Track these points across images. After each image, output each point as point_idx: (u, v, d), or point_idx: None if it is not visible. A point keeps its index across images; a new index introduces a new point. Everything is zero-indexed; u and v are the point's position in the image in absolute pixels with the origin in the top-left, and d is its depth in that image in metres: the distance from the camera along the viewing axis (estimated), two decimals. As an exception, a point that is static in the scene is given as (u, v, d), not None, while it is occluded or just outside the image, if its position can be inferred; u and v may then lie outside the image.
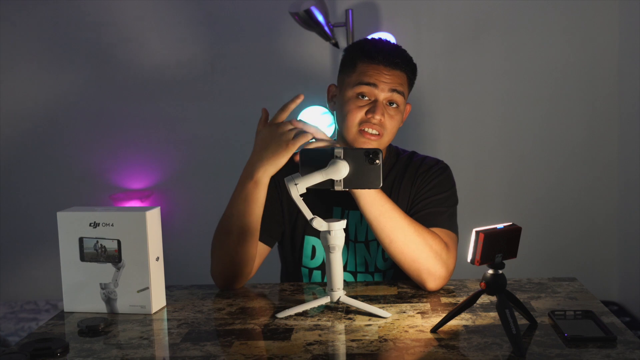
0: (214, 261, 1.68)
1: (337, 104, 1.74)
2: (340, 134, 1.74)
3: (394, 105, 1.69)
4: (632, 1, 3.15)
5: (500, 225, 1.27)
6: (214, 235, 1.69)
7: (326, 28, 2.98)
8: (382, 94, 1.68)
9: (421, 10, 3.36)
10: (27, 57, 3.50)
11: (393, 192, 1.77)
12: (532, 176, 3.41)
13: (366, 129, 1.67)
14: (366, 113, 1.67)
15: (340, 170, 1.43)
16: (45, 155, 3.53)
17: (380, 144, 1.69)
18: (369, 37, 1.90)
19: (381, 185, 1.44)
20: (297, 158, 1.53)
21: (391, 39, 3.04)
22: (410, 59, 1.75)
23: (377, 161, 1.43)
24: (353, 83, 1.69)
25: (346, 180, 1.44)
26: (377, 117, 1.66)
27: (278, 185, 1.78)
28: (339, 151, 1.43)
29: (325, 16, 2.96)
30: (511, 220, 1.33)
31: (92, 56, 3.47)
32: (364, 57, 1.70)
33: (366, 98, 1.68)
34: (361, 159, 1.44)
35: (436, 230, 1.66)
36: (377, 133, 1.67)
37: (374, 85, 1.67)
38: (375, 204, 1.57)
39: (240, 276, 1.67)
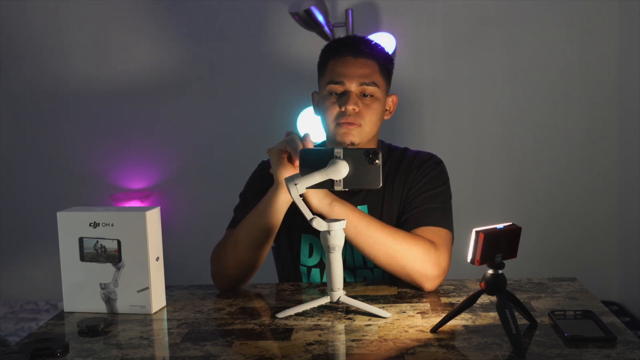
0: (216, 263, 1.68)
1: (319, 108, 1.77)
2: (327, 135, 1.77)
3: (368, 96, 1.70)
4: (632, 1, 3.15)
5: (500, 225, 1.27)
6: (224, 243, 1.69)
7: (326, 28, 2.98)
8: (353, 86, 1.70)
9: (421, 10, 3.36)
10: (27, 57, 3.50)
11: (387, 188, 1.77)
12: (532, 176, 3.41)
13: (343, 121, 1.69)
14: (340, 106, 1.69)
15: (340, 170, 1.43)
16: (45, 155, 3.53)
17: (362, 132, 1.70)
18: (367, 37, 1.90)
19: (381, 185, 1.44)
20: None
21: (391, 39, 3.04)
22: (380, 48, 1.76)
23: (377, 161, 1.43)
24: (325, 83, 1.73)
25: (346, 180, 1.44)
26: (350, 107, 1.68)
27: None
28: (338, 151, 1.44)
29: (325, 16, 2.96)
30: (511, 220, 1.33)
31: (92, 56, 3.47)
32: (332, 54, 1.75)
33: (338, 93, 1.71)
34: (361, 159, 1.44)
35: (427, 229, 1.66)
36: (353, 123, 1.68)
37: (341, 83, 1.70)
38: (350, 225, 1.57)
39: (247, 279, 1.68)
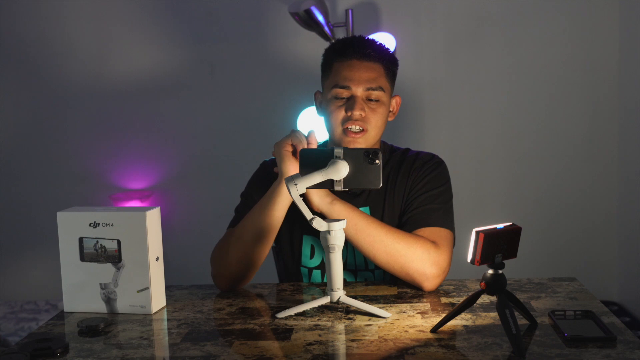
0: (217, 262, 1.68)
1: (323, 109, 1.76)
2: (331, 137, 1.76)
3: (374, 100, 1.70)
4: (632, 1, 3.15)
5: (500, 225, 1.27)
6: (226, 240, 1.69)
7: (326, 28, 2.98)
8: (359, 90, 1.69)
9: (421, 10, 3.36)
10: (28, 56, 3.50)
11: (389, 189, 1.77)
12: (532, 176, 3.42)
13: (349, 127, 1.68)
14: (346, 111, 1.69)
15: (340, 170, 1.43)
16: (46, 155, 3.53)
17: (367, 138, 1.70)
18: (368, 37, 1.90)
19: (381, 185, 1.45)
20: (276, 170, 1.61)
21: (391, 39, 3.04)
22: (385, 50, 1.75)
23: (377, 161, 1.43)
24: (330, 85, 1.72)
25: (346, 180, 1.44)
26: (357, 112, 1.67)
27: (273, 181, 1.78)
28: (338, 151, 1.44)
29: (325, 16, 2.96)
30: (511, 220, 1.33)
31: (92, 56, 3.47)
32: (337, 56, 1.73)
33: (344, 97, 1.70)
34: (361, 159, 1.44)
35: (428, 229, 1.67)
36: (360, 129, 1.68)
37: (347, 87, 1.69)
38: (350, 223, 1.57)
39: (249, 278, 1.68)
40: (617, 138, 3.35)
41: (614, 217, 3.39)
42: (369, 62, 1.70)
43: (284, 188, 1.59)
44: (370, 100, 1.70)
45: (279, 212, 1.61)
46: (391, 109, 1.78)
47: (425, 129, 3.42)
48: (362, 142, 1.69)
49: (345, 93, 1.70)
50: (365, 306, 1.44)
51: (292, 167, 1.57)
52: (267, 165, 1.84)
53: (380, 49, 1.74)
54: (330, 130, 1.73)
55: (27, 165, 3.55)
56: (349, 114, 1.68)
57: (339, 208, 1.59)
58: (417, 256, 1.59)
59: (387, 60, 1.73)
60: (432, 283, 1.60)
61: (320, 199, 1.59)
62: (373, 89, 1.69)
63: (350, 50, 1.71)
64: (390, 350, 1.25)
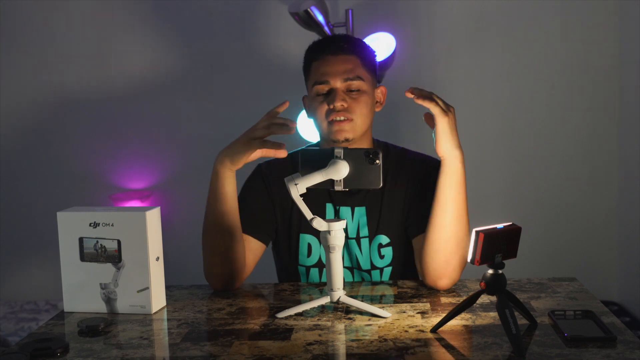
0: (204, 262, 1.69)
1: (310, 110, 1.77)
2: (321, 135, 1.78)
3: (355, 90, 1.71)
4: (632, 1, 3.15)
5: (500, 225, 1.27)
6: (202, 239, 1.70)
7: (326, 28, 2.98)
8: (338, 83, 1.70)
9: (421, 10, 3.36)
10: (28, 56, 3.50)
11: (386, 191, 1.76)
12: (532, 176, 3.41)
13: (333, 118, 1.69)
14: (328, 104, 1.70)
15: (340, 171, 1.43)
16: (46, 155, 3.53)
17: (354, 127, 1.70)
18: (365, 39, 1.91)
19: (381, 185, 1.45)
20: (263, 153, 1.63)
21: (391, 39, 3.04)
22: (359, 42, 1.78)
23: (377, 161, 1.43)
24: (311, 85, 1.75)
25: (346, 180, 1.44)
26: (338, 104, 1.68)
27: (268, 183, 1.79)
28: (339, 151, 1.44)
29: (325, 16, 2.96)
30: (511, 220, 1.33)
31: (92, 56, 3.47)
32: (314, 55, 1.77)
33: (325, 92, 1.71)
34: (361, 159, 1.44)
35: None
36: (344, 119, 1.69)
37: (326, 82, 1.71)
38: (454, 189, 1.58)
39: (231, 275, 1.65)
40: (617, 138, 3.35)
41: (614, 217, 3.39)
42: (344, 55, 1.72)
43: (223, 168, 1.68)
44: (351, 91, 1.71)
45: (228, 196, 1.66)
46: (377, 100, 1.78)
47: (425, 129, 3.39)
48: (349, 130, 1.69)
49: (325, 88, 1.71)
50: (365, 306, 1.44)
51: (238, 151, 1.65)
52: (262, 168, 1.84)
53: (354, 41, 1.78)
54: (318, 127, 1.74)
55: (27, 165, 3.55)
56: (331, 106, 1.69)
57: (458, 164, 1.63)
58: (462, 257, 1.60)
59: (362, 52, 1.75)
60: (448, 284, 1.61)
61: (451, 149, 1.64)
62: (351, 79, 1.70)
63: (324, 48, 1.75)
64: (390, 350, 1.25)
